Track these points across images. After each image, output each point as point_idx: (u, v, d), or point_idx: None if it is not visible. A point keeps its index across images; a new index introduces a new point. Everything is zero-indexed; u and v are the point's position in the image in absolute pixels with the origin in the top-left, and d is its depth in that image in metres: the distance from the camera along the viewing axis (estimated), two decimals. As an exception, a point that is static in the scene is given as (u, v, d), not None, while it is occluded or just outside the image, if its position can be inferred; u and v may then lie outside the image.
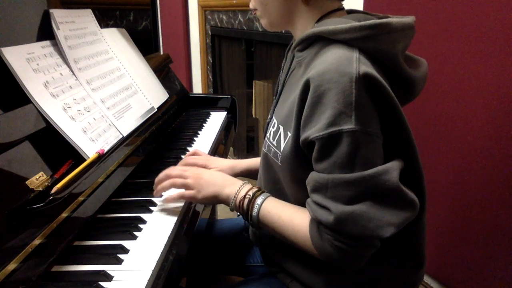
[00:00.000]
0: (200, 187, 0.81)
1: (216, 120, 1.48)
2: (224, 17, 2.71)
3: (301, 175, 0.69)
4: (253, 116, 2.67)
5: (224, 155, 1.28)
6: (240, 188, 0.79)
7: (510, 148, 1.15)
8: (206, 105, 1.63)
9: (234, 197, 0.78)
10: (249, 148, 2.91)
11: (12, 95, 0.77)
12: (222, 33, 2.81)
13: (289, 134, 0.70)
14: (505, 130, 1.16)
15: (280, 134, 0.73)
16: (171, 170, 0.85)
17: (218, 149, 1.24)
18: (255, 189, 0.78)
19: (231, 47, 2.79)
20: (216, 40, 2.94)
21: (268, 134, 0.79)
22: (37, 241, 0.62)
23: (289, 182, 0.74)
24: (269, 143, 0.77)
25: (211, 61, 3.06)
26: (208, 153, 1.17)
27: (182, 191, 0.83)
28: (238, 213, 0.79)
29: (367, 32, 0.63)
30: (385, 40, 0.65)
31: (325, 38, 0.67)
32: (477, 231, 1.28)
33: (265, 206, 0.75)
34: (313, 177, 0.66)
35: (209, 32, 2.95)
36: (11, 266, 0.57)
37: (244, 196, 0.77)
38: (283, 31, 0.82)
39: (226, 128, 1.43)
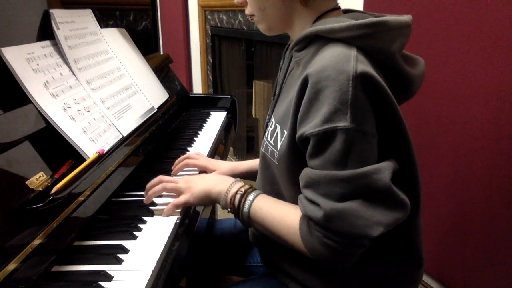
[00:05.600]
0: (191, 187, 0.81)
1: (216, 120, 1.48)
2: (224, 17, 2.71)
3: (297, 174, 0.69)
4: (253, 116, 2.67)
5: (224, 155, 1.28)
6: (232, 185, 0.78)
7: (510, 148, 1.15)
8: (206, 105, 1.63)
9: (226, 193, 0.78)
10: (249, 148, 2.91)
11: (12, 95, 0.77)
12: (222, 33, 2.81)
13: (286, 132, 0.70)
14: (505, 130, 1.15)
15: (277, 133, 0.73)
16: (164, 176, 0.86)
17: (218, 149, 1.24)
18: (247, 186, 0.78)
19: (231, 47, 2.79)
20: (216, 40, 2.94)
21: (266, 134, 0.79)
22: (37, 241, 0.62)
23: (285, 182, 0.74)
24: (267, 142, 0.77)
25: (211, 61, 3.06)
26: (208, 153, 1.17)
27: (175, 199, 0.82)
28: (229, 210, 0.78)
29: (364, 30, 0.63)
30: (383, 39, 0.65)
31: (323, 37, 0.67)
32: (477, 231, 1.28)
33: (256, 203, 0.75)
34: (306, 173, 0.66)
35: (209, 32, 2.95)
36: (11, 266, 0.57)
37: (236, 192, 0.77)
38: (283, 31, 0.82)
39: (226, 128, 1.43)
